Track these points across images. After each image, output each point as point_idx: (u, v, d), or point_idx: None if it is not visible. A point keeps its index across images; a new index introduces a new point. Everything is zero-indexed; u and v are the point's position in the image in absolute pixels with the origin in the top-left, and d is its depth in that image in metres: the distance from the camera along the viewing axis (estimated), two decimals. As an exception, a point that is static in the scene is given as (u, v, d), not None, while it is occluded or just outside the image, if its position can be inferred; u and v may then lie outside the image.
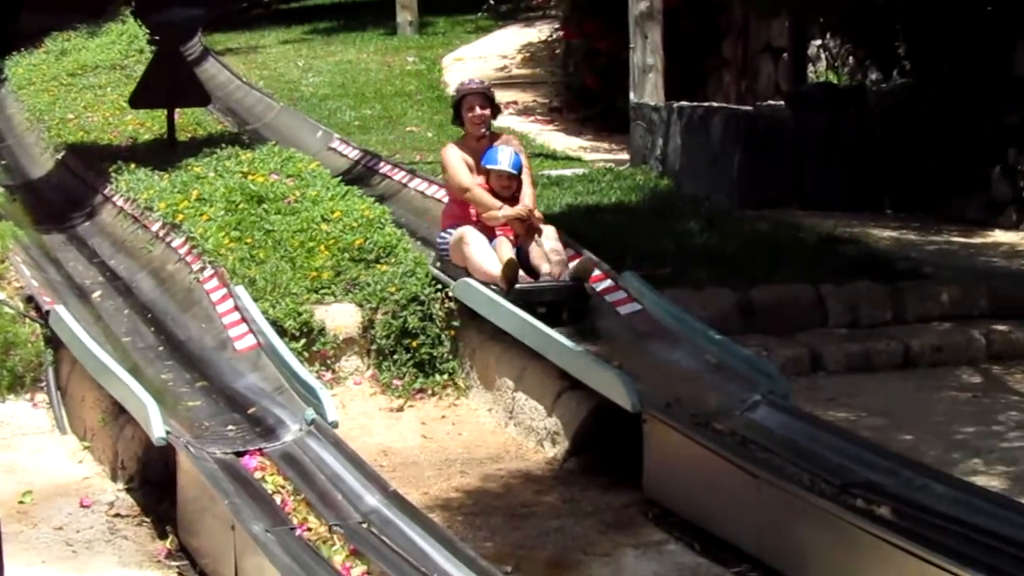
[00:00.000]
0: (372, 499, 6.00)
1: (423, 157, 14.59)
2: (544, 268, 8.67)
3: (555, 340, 7.75)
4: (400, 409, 8.47)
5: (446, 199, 9.70)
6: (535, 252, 8.78)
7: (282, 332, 8.24)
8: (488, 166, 9.03)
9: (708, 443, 6.48)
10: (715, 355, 7.58)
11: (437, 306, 8.77)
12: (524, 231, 8.89)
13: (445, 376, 8.68)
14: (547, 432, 7.76)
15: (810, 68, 15.24)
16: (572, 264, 8.77)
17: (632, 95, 15.32)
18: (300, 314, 8.58)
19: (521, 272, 8.56)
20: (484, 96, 9.26)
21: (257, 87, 18.22)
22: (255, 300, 8.32)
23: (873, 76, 14.17)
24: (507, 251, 8.69)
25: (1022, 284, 9.98)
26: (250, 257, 9.15)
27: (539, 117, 18.14)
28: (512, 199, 9.00)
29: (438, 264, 9.22)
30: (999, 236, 11.84)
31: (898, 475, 6.15)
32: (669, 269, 9.58)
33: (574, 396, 7.69)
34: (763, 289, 9.45)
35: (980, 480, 6.71)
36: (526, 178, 9.18)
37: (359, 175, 12.57)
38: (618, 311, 8.39)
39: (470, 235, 8.84)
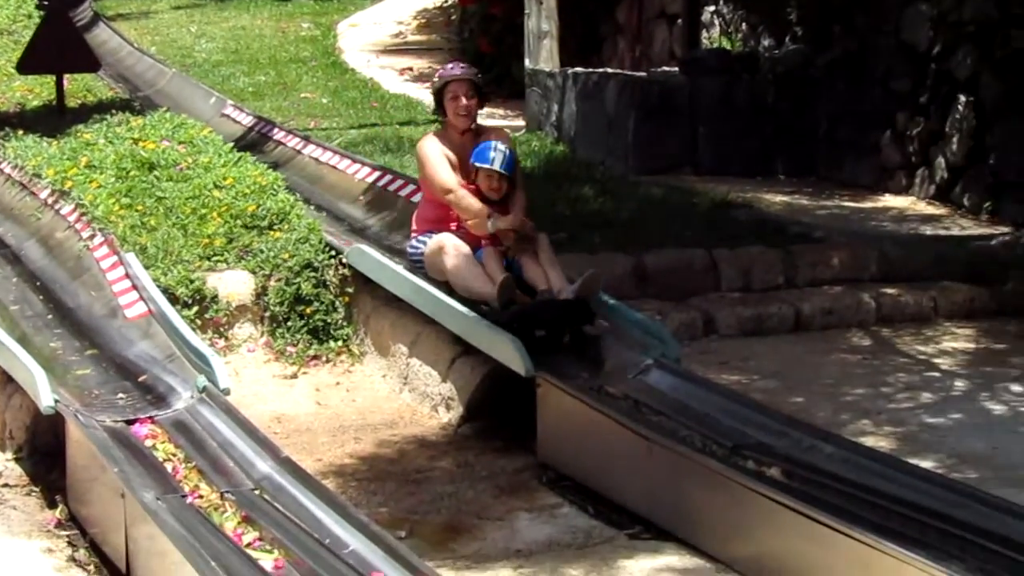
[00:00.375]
0: (264, 466, 5.96)
1: (317, 124, 14.53)
2: (541, 284, 7.63)
3: (449, 305, 7.73)
4: (294, 376, 8.42)
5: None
6: (530, 266, 7.75)
7: (174, 300, 8.16)
8: (477, 164, 7.92)
9: (601, 407, 6.50)
10: (608, 319, 7.60)
11: (331, 272, 8.72)
12: (517, 242, 7.87)
13: (339, 343, 8.64)
14: (441, 398, 7.76)
15: (704, 34, 15.30)
16: (578, 280, 7.57)
17: (527, 61, 15.33)
18: (192, 281, 8.50)
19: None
20: (471, 84, 8.08)
21: (149, 53, 18.01)
22: (146, 268, 8.22)
23: (766, 42, 14.26)
24: (496, 265, 7.71)
25: (911, 248, 10.10)
26: (141, 224, 9.05)
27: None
28: (501, 204, 7.92)
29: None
30: (889, 201, 11.98)
31: (788, 436, 6.20)
32: (564, 234, 9.59)
33: (468, 361, 7.70)
34: (657, 254, 9.49)
35: (868, 441, 6.79)
36: (518, 181, 8.15)
37: (252, 141, 12.47)
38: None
39: (453, 245, 7.86)
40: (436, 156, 8.04)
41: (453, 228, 8.04)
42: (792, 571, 5.26)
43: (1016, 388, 7.87)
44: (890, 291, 9.50)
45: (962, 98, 11.49)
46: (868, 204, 11.88)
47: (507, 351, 7.07)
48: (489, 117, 16.20)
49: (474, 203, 7.90)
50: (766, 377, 8.12)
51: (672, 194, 11.48)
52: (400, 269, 8.27)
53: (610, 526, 6.13)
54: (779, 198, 11.97)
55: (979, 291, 9.60)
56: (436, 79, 8.21)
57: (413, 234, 8.27)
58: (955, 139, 11.51)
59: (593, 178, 12.10)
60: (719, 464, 5.81)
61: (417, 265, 8.11)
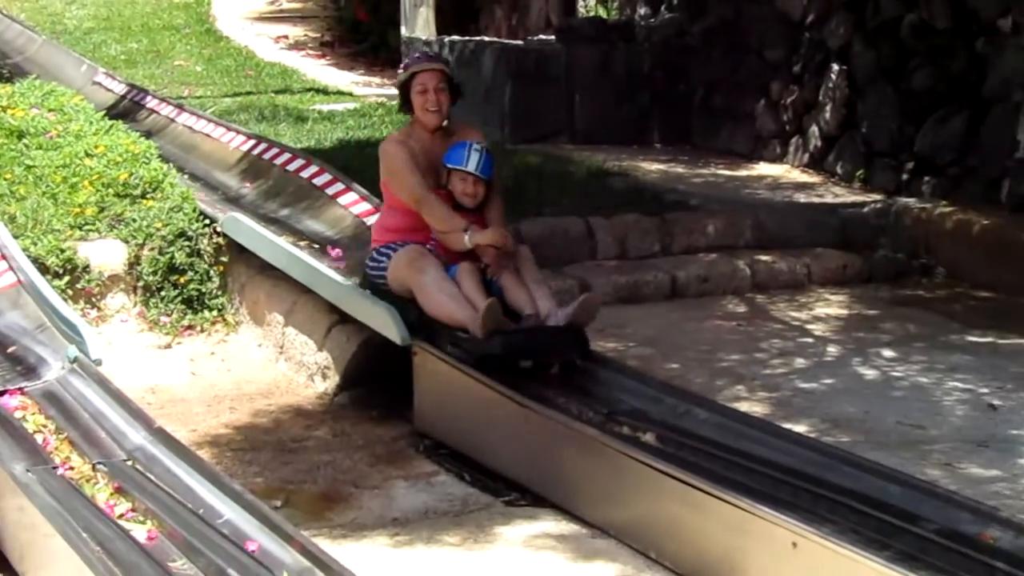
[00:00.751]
0: (137, 436, 5.88)
1: (191, 92, 14.38)
2: (526, 308, 6.69)
3: (324, 274, 7.69)
4: (168, 346, 8.34)
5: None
6: (512, 286, 6.77)
7: (44, 269, 8.03)
8: (450, 166, 6.99)
9: (476, 375, 6.49)
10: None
11: (205, 241, 8.63)
12: (497, 258, 6.87)
13: (214, 312, 8.56)
14: (318, 367, 7.72)
15: (580, 3, 15.35)
16: (572, 304, 6.75)
17: (403, 29, 15.27)
18: (63, 251, 8.36)
19: None
20: (442, 75, 7.13)
21: (18, 20, 17.70)
22: (15, 237, 8.08)
23: (642, 11, 14.32)
24: (474, 285, 6.72)
25: (785, 215, 10.21)
26: (10, 193, 8.90)
27: (310, 52, 17.98)
28: (477, 213, 7.00)
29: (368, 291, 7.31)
30: (763, 169, 12.09)
31: (663, 402, 6.24)
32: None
33: (344, 330, 7.65)
34: (533, 222, 9.50)
35: (743, 406, 6.84)
36: (495, 186, 7.23)
37: (125, 110, 12.31)
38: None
39: (424, 261, 6.87)
40: (402, 158, 7.01)
41: (421, 239, 7.07)
42: (667, 535, 5.30)
43: (887, 353, 7.97)
44: (764, 258, 9.59)
45: (835, 67, 11.61)
46: (743, 172, 11.98)
47: (383, 319, 7.04)
48: (365, 86, 16.19)
49: (449, 215, 6.92)
50: (642, 344, 8.16)
51: (548, 162, 11.50)
52: (275, 237, 8.21)
53: (486, 493, 6.13)
54: (655, 166, 12.03)
55: (852, 258, 9.73)
56: (401, 70, 7.27)
57: (373, 245, 7.28)
58: (828, 108, 11.63)
59: (470, 146, 12.07)
60: (595, 431, 5.83)
61: (379, 283, 7.13)
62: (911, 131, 10.83)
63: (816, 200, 10.78)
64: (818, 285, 9.48)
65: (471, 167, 6.95)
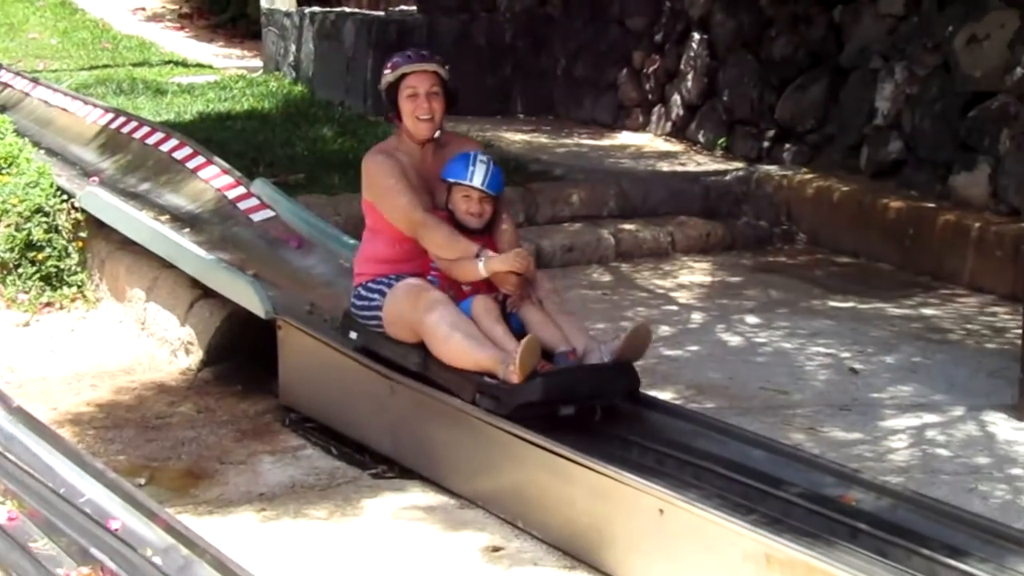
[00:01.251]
0: (-5, 416, 5.78)
1: (47, 65, 14.13)
2: (559, 344, 5.62)
3: (186, 249, 7.59)
4: (27, 324, 8.19)
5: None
6: (538, 320, 5.70)
7: None
8: (452, 181, 5.90)
9: (342, 348, 6.46)
10: (349, 260, 7.55)
11: (63, 217, 8.48)
12: (518, 287, 5.77)
13: (73, 289, 8.43)
14: (181, 342, 7.63)
15: (441, -27, 15.28)
16: (620, 337, 5.73)
17: (263, 1, 15.11)
18: (-84, 228, 8.21)
19: None
20: (436, 77, 6.00)
21: None
22: None
23: (503, -19, 14.31)
24: (495, 321, 5.65)
25: (648, 184, 10.26)
26: None
27: (169, 24, 17.76)
28: (484, 235, 5.93)
29: (352, 334, 6.26)
30: (626, 138, 12.16)
31: (529, 372, 6.23)
32: (303, 175, 9.50)
33: (207, 305, 7.57)
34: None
35: (609, 374, 6.87)
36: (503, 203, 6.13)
37: (-23, 84, 12.08)
38: (251, 218, 8.27)
39: (431, 297, 5.77)
40: (392, 173, 5.95)
41: (418, 271, 6.00)
42: (534, 504, 5.30)
43: (751, 320, 8.05)
44: (629, 227, 9.64)
45: (696, 36, 11.69)
46: (606, 141, 12.04)
47: (245, 293, 6.97)
48: (225, 59, 16.02)
49: (453, 236, 5.84)
50: (508, 314, 8.15)
51: (412, 134, 11.45)
52: (135, 212, 8.09)
53: (354, 466, 6.10)
54: (518, 136, 12.05)
55: (714, 225, 9.82)
56: (387, 71, 6.07)
57: (358, 281, 6.17)
58: (690, 76, 11.71)
59: (332, 118, 12.02)
60: (461, 402, 5.82)
61: (371, 324, 6.09)
62: (772, 99, 10.95)
63: (679, 169, 10.87)
64: (682, 253, 9.55)
65: (477, 182, 5.86)
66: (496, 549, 5.21)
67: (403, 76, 5.96)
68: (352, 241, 7.67)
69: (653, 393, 6.31)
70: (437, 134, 6.02)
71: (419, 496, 5.73)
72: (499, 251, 5.84)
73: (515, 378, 5.36)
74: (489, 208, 5.90)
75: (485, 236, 5.91)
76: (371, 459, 6.14)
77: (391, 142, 6.17)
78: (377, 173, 5.99)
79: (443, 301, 5.73)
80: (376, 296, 6.02)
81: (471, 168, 5.87)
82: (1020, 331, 6.67)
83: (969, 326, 7.96)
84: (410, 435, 5.99)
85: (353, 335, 6.23)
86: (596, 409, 5.48)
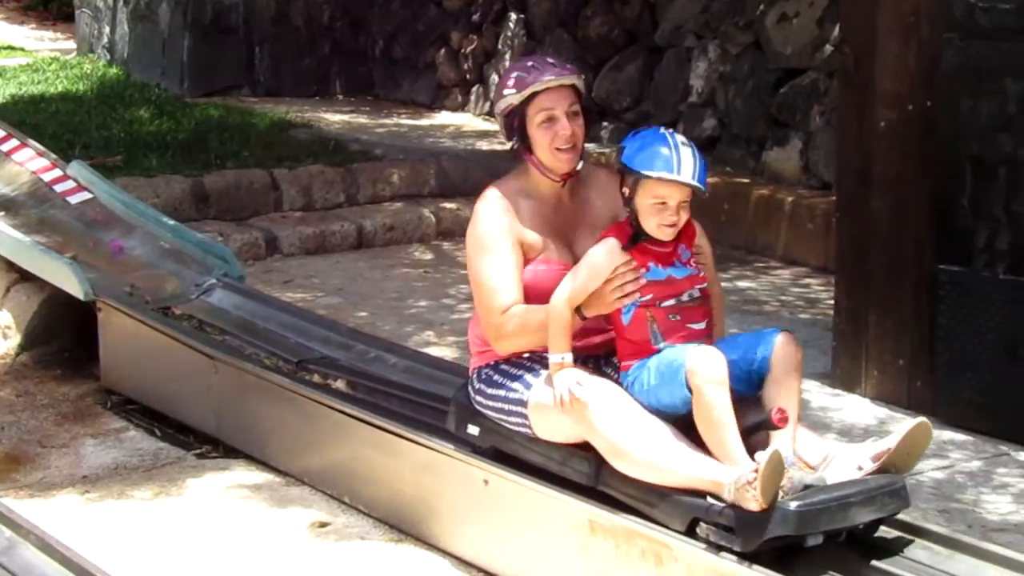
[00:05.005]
0: None
1: None
2: (785, 446, 4.04)
3: (1, 232, 7.47)
4: None
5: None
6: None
7: None
8: (646, 173, 4.22)
9: (164, 328, 6.42)
10: (169, 241, 7.49)
11: None
12: None
13: None
14: (-2, 327, 7.52)
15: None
16: (890, 437, 4.15)
17: (75, -18, 14.91)
18: None
19: None
20: (574, 91, 4.56)
21: None
22: None
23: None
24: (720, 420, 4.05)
25: (468, 163, 10.32)
26: None
27: (-22, 6, 17.42)
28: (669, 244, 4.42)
29: (473, 429, 4.75)
30: (446, 118, 12.21)
31: (352, 349, 6.26)
32: (119, 157, 9.40)
33: (25, 289, 7.44)
34: (216, 175, 9.43)
35: (432, 350, 6.93)
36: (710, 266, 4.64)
37: None
38: (68, 201, 8.15)
39: (604, 392, 4.26)
40: (498, 232, 4.56)
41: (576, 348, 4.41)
42: (360, 479, 5.33)
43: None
44: (449, 205, 9.71)
45: (513, 16, 11.78)
46: (426, 121, 12.08)
47: (64, 275, 6.88)
48: (38, 40, 15.75)
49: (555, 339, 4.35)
50: (330, 294, 8.18)
51: (230, 115, 11.41)
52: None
53: (177, 447, 6.07)
54: (338, 117, 12.04)
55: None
56: (509, 88, 4.56)
57: (478, 364, 4.75)
58: (508, 56, 11.79)
59: (148, 100, 11.92)
60: (285, 379, 5.83)
61: (513, 421, 4.58)
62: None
63: (498, 147, 10.91)
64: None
65: (687, 175, 4.23)
66: (323, 525, 5.23)
67: (533, 96, 4.53)
68: (171, 222, 7.61)
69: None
70: (580, 166, 4.62)
71: (244, 475, 5.73)
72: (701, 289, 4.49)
73: (755, 505, 3.90)
74: (686, 212, 4.35)
75: (671, 245, 4.40)
76: (195, 439, 6.12)
77: (512, 182, 4.71)
78: (476, 221, 4.65)
79: (628, 404, 4.24)
80: (519, 388, 4.54)
81: (674, 154, 4.22)
82: (832, 302, 6.85)
83: (783, 297, 8.16)
84: (234, 414, 5.98)
85: (473, 431, 4.79)
86: (842, 534, 4.07)
